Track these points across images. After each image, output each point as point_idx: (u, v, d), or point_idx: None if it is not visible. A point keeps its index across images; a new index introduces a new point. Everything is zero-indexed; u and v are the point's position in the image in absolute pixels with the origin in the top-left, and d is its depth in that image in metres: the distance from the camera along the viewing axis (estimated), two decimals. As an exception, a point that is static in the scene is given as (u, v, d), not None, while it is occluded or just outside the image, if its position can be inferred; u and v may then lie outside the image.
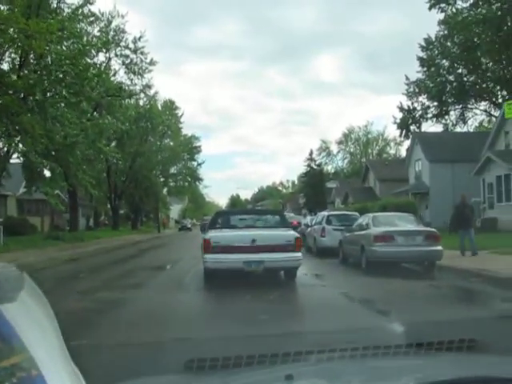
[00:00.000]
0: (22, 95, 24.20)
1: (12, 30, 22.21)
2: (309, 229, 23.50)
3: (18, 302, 1.12)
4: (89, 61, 28.00)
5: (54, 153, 26.74)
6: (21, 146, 26.16)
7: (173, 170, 65.57)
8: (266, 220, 14.29)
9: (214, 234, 12.29)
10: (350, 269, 15.62)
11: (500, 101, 48.89)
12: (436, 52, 48.61)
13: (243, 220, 14.10)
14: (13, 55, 25.85)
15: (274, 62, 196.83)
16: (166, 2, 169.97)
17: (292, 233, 12.57)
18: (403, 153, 79.79)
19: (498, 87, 49.00)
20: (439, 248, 13.89)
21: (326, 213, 23.87)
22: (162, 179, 63.46)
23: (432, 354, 2.65)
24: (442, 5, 43.49)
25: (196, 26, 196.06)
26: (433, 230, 14.81)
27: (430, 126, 53.62)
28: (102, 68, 31.13)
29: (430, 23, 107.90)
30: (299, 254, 12.00)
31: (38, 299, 1.23)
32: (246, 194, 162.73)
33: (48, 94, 25.27)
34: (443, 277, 13.35)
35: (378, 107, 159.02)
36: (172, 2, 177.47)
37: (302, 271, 13.48)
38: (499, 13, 39.72)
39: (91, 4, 30.03)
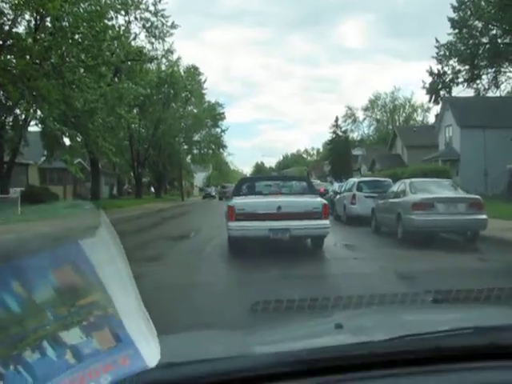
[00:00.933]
0: (38, 60, 23.38)
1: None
2: (338, 196, 22.45)
3: (97, 239, 1.13)
4: (107, 23, 26.95)
5: (72, 119, 25.98)
6: (39, 112, 25.52)
7: (196, 137, 64.53)
8: (292, 186, 13.63)
9: (238, 201, 11.84)
10: (385, 239, 14.51)
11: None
12: (469, 13, 46.59)
13: (268, 187, 13.51)
14: (27, 17, 24.89)
15: (298, 29, 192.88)
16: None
17: (319, 199, 12.05)
18: (431, 119, 78.11)
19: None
20: (484, 217, 12.68)
21: (356, 179, 22.72)
22: (185, 147, 62.59)
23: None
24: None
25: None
26: (476, 196, 13.62)
27: (461, 91, 51.88)
28: (121, 31, 30.00)
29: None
30: (327, 222, 11.44)
31: (114, 238, 1.16)
32: (271, 162, 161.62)
33: (65, 58, 24.44)
34: (491, 249, 12.13)
35: (404, 73, 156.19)
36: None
37: (331, 241, 12.71)
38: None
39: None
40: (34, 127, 28.12)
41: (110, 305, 1.08)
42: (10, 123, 25.99)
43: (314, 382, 1.32)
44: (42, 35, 24.30)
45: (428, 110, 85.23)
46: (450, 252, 11.65)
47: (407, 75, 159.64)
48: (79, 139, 28.62)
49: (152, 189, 65.61)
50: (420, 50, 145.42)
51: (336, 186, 28.71)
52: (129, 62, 32.03)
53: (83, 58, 23.99)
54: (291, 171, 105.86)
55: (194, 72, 60.23)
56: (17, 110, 25.38)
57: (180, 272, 9.80)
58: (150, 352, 1.10)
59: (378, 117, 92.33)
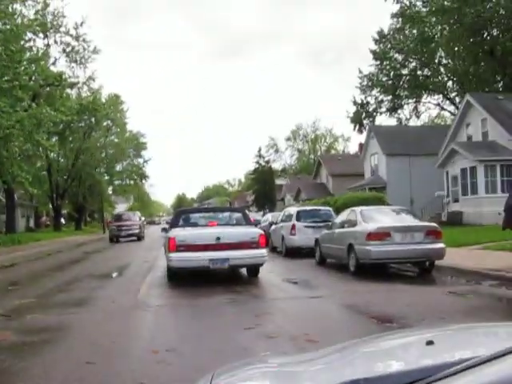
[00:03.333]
0: None
1: None
2: (273, 226, 21.47)
3: None
4: (24, 44, 25.23)
5: (-15, 146, 23.89)
6: None
7: (118, 168, 62.47)
8: (229, 217, 14.00)
9: (178, 233, 11.95)
10: (335, 272, 13.34)
11: (453, 95, 48.75)
12: (389, 45, 47.93)
13: (205, 218, 13.69)
14: None
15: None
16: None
17: (256, 229, 12.73)
18: (352, 148, 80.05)
19: (451, 81, 48.92)
20: (441, 245, 12.01)
21: (295, 208, 21.73)
22: (106, 177, 60.27)
23: None
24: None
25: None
26: (433, 224, 12.95)
27: (384, 120, 53.13)
28: (40, 54, 28.24)
29: (375, 18, 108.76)
30: (264, 251, 11.82)
31: None
32: (192, 193, 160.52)
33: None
34: (453, 281, 11.35)
35: (326, 104, 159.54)
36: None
37: (277, 277, 12.54)
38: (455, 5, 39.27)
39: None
40: None
41: None
42: None
43: None
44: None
45: (348, 139, 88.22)
46: (414, 285, 10.82)
47: (329, 105, 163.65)
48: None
49: (63, 221, 62.04)
50: (341, 82, 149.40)
51: (269, 216, 27.76)
52: (48, 87, 30.27)
53: (-3, 80, 22.11)
54: (213, 202, 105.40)
55: (116, 100, 58.37)
56: None
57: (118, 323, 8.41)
58: None
59: (300, 147, 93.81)
